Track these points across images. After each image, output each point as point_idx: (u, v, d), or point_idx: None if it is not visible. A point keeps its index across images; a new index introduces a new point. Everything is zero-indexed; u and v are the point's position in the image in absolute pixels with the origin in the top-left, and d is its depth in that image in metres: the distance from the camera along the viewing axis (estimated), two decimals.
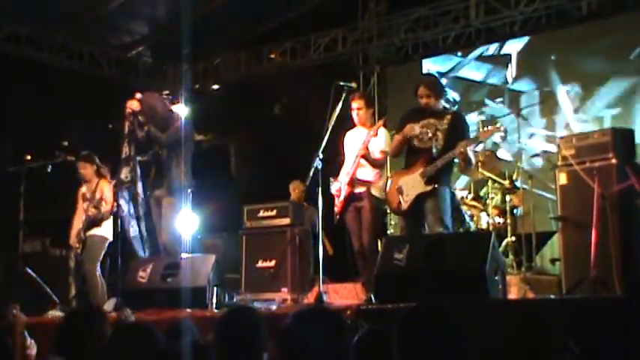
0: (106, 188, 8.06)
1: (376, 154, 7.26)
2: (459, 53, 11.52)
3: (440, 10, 11.02)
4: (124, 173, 7.44)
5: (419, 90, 6.90)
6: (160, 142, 7.36)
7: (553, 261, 8.39)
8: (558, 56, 10.58)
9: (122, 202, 7.67)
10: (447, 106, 7.08)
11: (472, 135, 7.03)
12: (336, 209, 7.30)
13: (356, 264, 7.44)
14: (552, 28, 10.64)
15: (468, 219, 8.21)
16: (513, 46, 10.97)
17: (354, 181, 7.24)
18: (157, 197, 7.49)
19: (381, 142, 7.29)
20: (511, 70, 10.94)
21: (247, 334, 3.25)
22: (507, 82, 10.93)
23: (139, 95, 7.47)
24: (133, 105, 7.42)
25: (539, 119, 10.52)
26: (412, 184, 6.66)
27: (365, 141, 7.19)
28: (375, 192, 7.23)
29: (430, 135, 6.70)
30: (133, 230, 7.93)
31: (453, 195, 6.98)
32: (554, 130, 10.31)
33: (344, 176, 7.31)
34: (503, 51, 11.09)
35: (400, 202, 6.75)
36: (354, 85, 7.38)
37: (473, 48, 11.31)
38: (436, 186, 6.58)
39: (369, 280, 6.88)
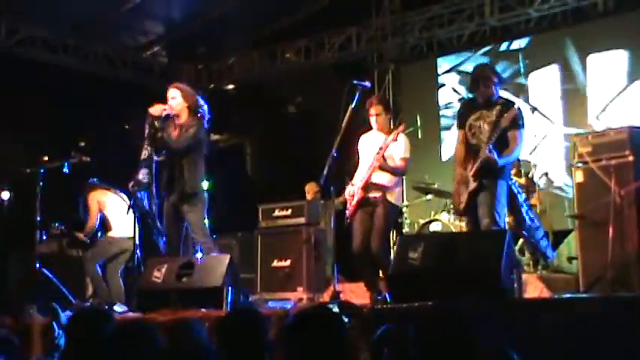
0: (93, 203, 8.47)
1: (396, 161, 7.10)
2: (474, 51, 11.48)
3: (454, 8, 11.00)
4: (142, 174, 7.43)
5: (476, 83, 6.60)
6: (170, 148, 7.33)
7: (570, 259, 8.34)
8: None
9: (139, 202, 7.68)
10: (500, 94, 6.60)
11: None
12: (347, 213, 7.21)
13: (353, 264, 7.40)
14: (568, 25, 10.59)
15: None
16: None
17: (368, 186, 7.07)
18: (172, 202, 7.46)
19: (400, 148, 7.10)
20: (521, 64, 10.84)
21: (249, 335, 3.24)
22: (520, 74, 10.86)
23: (159, 106, 7.46)
24: (153, 109, 7.42)
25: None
26: (465, 183, 6.54)
27: (382, 148, 7.02)
28: (390, 198, 7.10)
29: (480, 128, 6.45)
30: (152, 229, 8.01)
31: (509, 188, 6.66)
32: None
33: (358, 180, 7.14)
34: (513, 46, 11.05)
35: (460, 202, 6.63)
36: (367, 83, 7.31)
37: (488, 46, 11.27)
38: (483, 181, 6.35)
39: (372, 282, 7.00)
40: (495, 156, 6.24)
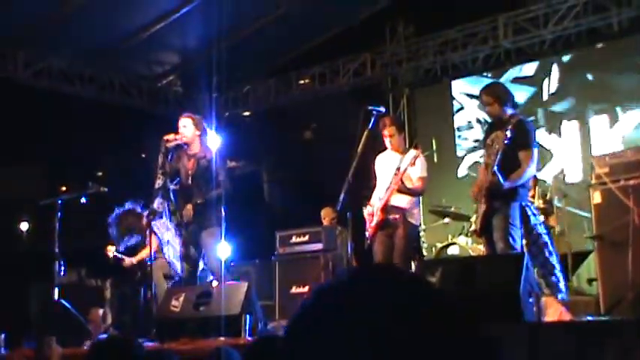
0: None
1: (414, 181, 7.16)
2: (489, 74, 11.48)
3: (468, 32, 11.01)
4: (157, 203, 7.48)
5: (480, 99, 6.62)
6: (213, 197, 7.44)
7: (590, 281, 8.26)
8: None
9: (156, 229, 7.74)
10: (513, 112, 6.50)
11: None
12: (367, 234, 7.22)
13: None
14: (583, 46, 10.57)
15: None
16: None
17: (387, 208, 7.12)
18: (190, 229, 7.49)
19: (417, 168, 7.17)
20: (549, 86, 10.86)
21: None
22: (542, 98, 10.87)
23: (172, 136, 7.53)
24: (167, 138, 7.48)
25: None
26: (480, 203, 6.52)
27: (399, 169, 7.07)
28: (410, 219, 7.13)
29: (492, 148, 6.34)
30: (170, 254, 8.05)
31: (522, 210, 6.50)
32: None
33: (377, 201, 7.22)
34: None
35: (476, 223, 6.60)
36: (382, 108, 7.33)
37: (503, 68, 11.26)
38: (495, 203, 6.30)
39: None
40: (500, 178, 6.15)
